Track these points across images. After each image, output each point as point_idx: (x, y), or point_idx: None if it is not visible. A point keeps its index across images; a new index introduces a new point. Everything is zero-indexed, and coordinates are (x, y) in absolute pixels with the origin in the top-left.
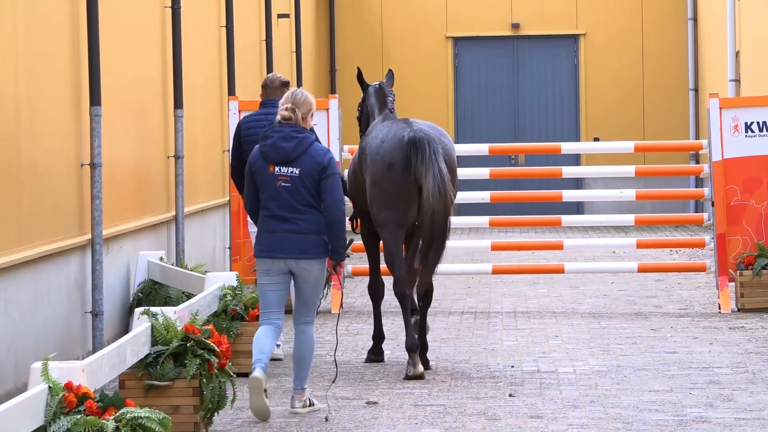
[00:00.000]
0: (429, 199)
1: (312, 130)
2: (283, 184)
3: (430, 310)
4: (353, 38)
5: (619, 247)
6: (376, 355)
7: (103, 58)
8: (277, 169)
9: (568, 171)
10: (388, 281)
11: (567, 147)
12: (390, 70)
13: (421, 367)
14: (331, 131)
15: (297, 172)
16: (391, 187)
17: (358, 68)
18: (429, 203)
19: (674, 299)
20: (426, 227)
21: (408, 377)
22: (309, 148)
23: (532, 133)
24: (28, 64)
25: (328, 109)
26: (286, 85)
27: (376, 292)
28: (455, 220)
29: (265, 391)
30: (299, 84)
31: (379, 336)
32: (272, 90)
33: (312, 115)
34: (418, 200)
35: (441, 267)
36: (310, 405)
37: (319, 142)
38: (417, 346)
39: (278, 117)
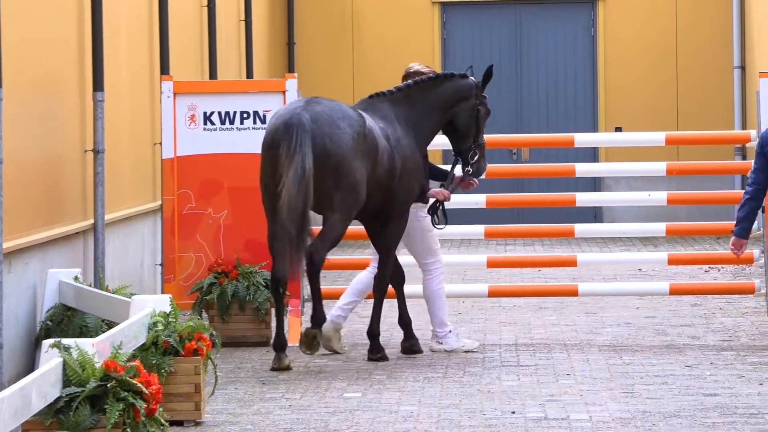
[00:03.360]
0: (285, 195)
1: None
2: None
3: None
4: (316, 4)
5: (647, 263)
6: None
7: (4, 27)
8: None
9: (583, 169)
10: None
11: (582, 139)
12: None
13: (287, 360)
14: None
15: None
16: (265, 166)
17: None
18: (285, 198)
19: (715, 328)
20: (282, 219)
21: (273, 369)
22: None
23: (538, 122)
24: None
25: (284, 92)
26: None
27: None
28: (442, 231)
29: None
30: (248, 61)
31: (282, 346)
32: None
33: None
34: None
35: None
36: None
37: None
38: (283, 346)
39: None
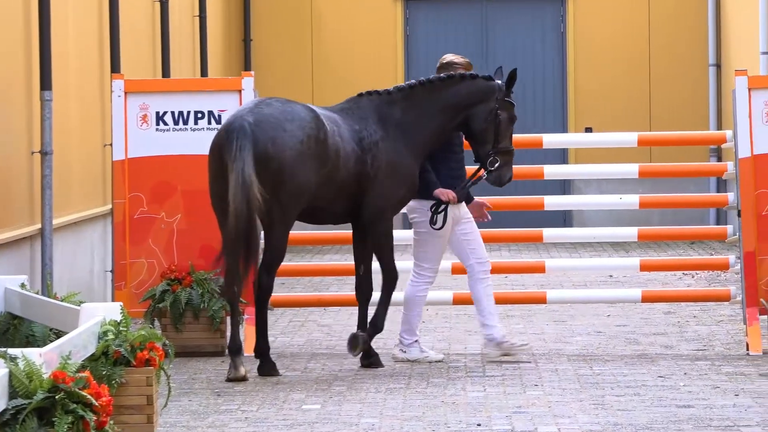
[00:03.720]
0: (231, 203)
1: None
2: None
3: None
4: None
5: (618, 269)
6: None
7: None
8: None
9: (552, 171)
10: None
11: (550, 140)
12: None
13: (243, 370)
14: None
15: None
16: (211, 171)
17: None
18: (231, 207)
19: (689, 337)
20: (230, 229)
21: (229, 380)
22: None
23: None
24: None
25: (240, 91)
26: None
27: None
28: (404, 235)
29: None
30: (203, 59)
31: (237, 349)
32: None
33: None
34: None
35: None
36: None
37: None
38: (239, 348)
39: None
